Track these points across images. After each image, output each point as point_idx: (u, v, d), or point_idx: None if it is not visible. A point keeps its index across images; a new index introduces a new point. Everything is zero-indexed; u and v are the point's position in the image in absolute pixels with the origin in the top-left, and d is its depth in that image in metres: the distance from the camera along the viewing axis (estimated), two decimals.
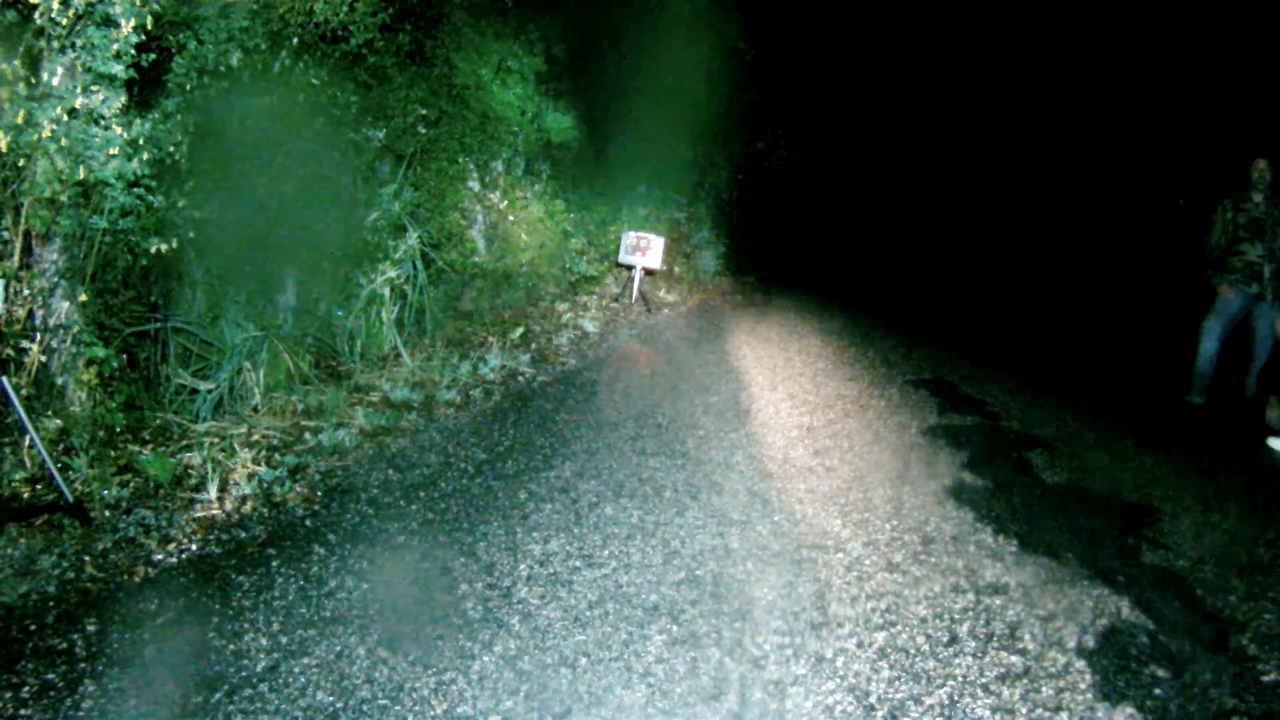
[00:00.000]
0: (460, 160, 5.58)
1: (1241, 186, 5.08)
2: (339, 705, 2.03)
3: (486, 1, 5.53)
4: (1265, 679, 2.35)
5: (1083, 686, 2.27)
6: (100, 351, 3.12)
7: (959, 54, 11.52)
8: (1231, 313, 5.15)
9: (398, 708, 2.04)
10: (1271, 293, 4.94)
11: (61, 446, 3.03)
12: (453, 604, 2.51)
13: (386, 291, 4.83)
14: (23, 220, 2.86)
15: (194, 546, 2.78)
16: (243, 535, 2.88)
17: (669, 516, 3.19)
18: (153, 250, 3.22)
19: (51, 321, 3.07)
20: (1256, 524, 3.48)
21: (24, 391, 2.94)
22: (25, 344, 2.97)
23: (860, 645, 2.41)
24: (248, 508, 3.06)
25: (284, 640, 2.28)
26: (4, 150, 2.71)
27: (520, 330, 5.74)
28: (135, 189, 3.11)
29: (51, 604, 2.38)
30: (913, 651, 2.39)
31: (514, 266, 6.19)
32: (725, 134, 9.48)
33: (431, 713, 2.03)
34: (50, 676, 2.07)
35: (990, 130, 12.19)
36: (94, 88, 2.91)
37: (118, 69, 2.93)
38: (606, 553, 2.87)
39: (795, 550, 2.97)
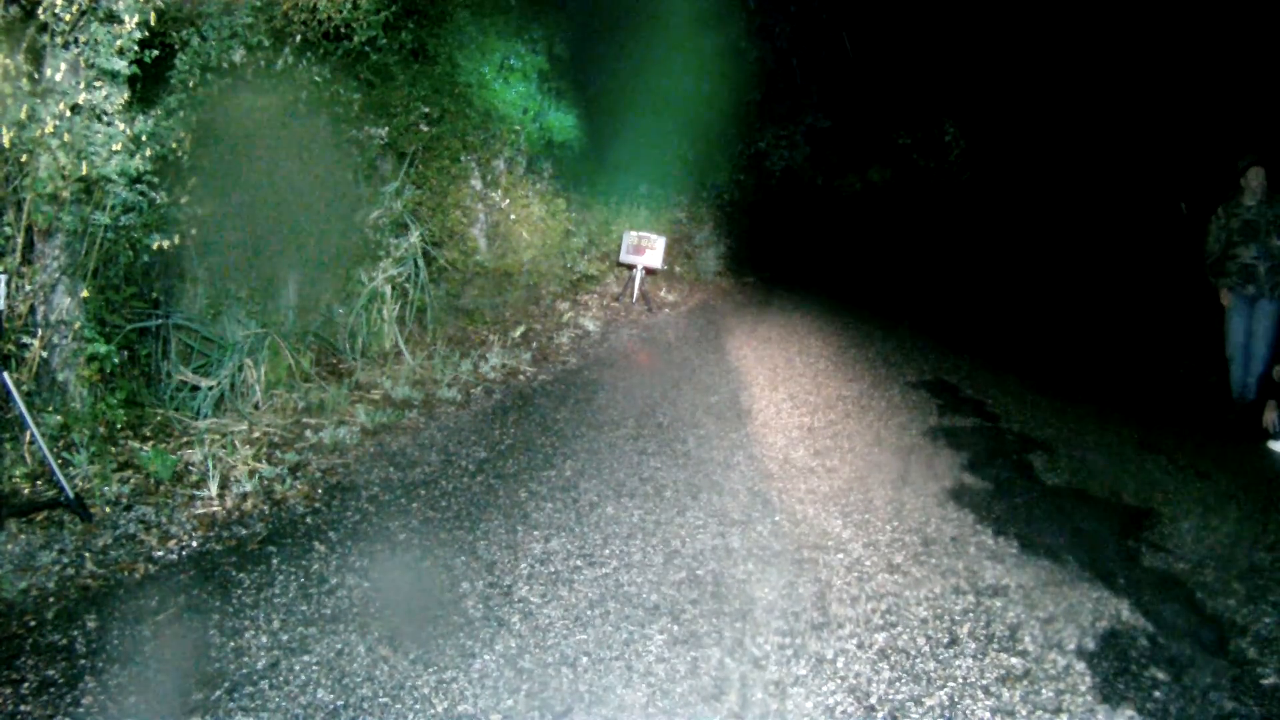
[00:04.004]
0: (462, 158, 5.58)
1: (1235, 192, 5.12)
2: (340, 703, 2.03)
3: (490, 0, 5.52)
4: (1265, 682, 2.35)
5: (1083, 688, 2.27)
6: (101, 348, 3.12)
7: (962, 54, 11.52)
8: (1241, 323, 5.12)
9: (398, 706, 2.04)
10: (1270, 288, 4.97)
11: (62, 443, 3.02)
12: (453, 602, 2.51)
13: (388, 289, 4.83)
14: (25, 216, 2.85)
15: (194, 543, 2.77)
16: (243, 532, 2.87)
17: (670, 516, 3.18)
18: (154, 247, 3.21)
19: (53, 317, 3.07)
20: (1256, 527, 3.48)
21: (25, 387, 2.94)
22: (27, 340, 2.97)
23: (861, 646, 2.41)
24: (248, 505, 3.06)
25: (284, 638, 2.28)
26: (7, 146, 2.71)
27: (521, 329, 5.74)
28: (137, 185, 3.10)
29: (52, 600, 2.38)
30: (913, 653, 2.39)
31: (515, 265, 6.19)
32: (726, 134, 9.48)
33: (432, 711, 2.03)
34: (50, 673, 2.06)
35: (994, 131, 12.19)
36: (97, 83, 2.91)
37: (121, 65, 2.92)
38: (607, 552, 2.87)
39: (796, 551, 2.97)
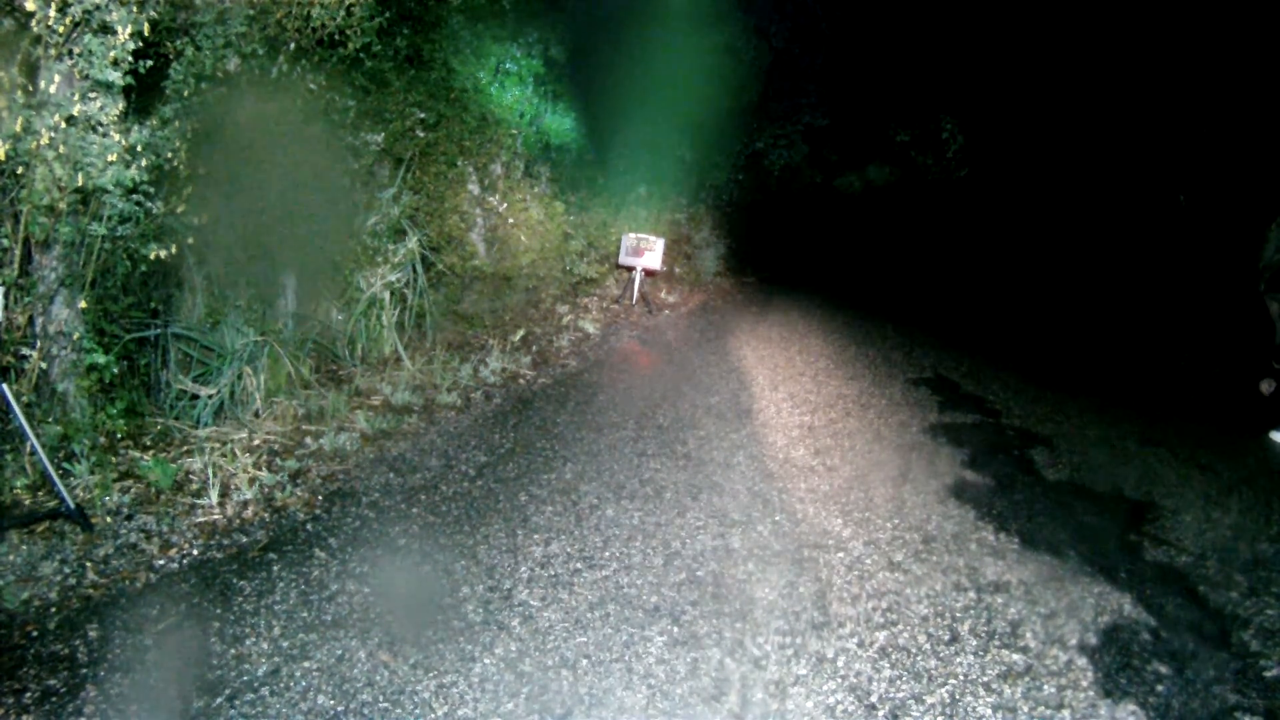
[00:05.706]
0: (459, 163, 5.58)
1: None
2: (340, 709, 2.03)
3: (484, 4, 5.53)
4: (1268, 674, 2.34)
5: (1085, 684, 2.26)
6: (100, 358, 3.13)
7: (959, 50, 11.50)
8: None
9: (399, 711, 2.04)
10: None
11: (62, 453, 3.03)
12: (454, 607, 2.51)
13: (386, 295, 4.83)
14: (22, 228, 2.86)
15: (195, 551, 2.78)
16: (244, 540, 2.88)
17: (670, 517, 3.18)
18: (152, 256, 3.22)
19: (52, 328, 3.08)
20: (1258, 519, 3.47)
21: (25, 398, 2.95)
22: (26, 351, 2.98)
23: (861, 644, 2.41)
24: (249, 512, 3.06)
25: (285, 644, 2.28)
26: (3, 158, 2.72)
27: (521, 332, 5.74)
28: (134, 195, 3.11)
29: (53, 610, 2.38)
30: (914, 650, 2.39)
31: (514, 269, 6.20)
32: (724, 135, 9.49)
33: (432, 715, 2.03)
34: (52, 682, 2.07)
35: (991, 126, 12.17)
36: (92, 95, 2.92)
37: (115, 76, 2.93)
38: (607, 554, 2.87)
39: (796, 550, 2.97)
